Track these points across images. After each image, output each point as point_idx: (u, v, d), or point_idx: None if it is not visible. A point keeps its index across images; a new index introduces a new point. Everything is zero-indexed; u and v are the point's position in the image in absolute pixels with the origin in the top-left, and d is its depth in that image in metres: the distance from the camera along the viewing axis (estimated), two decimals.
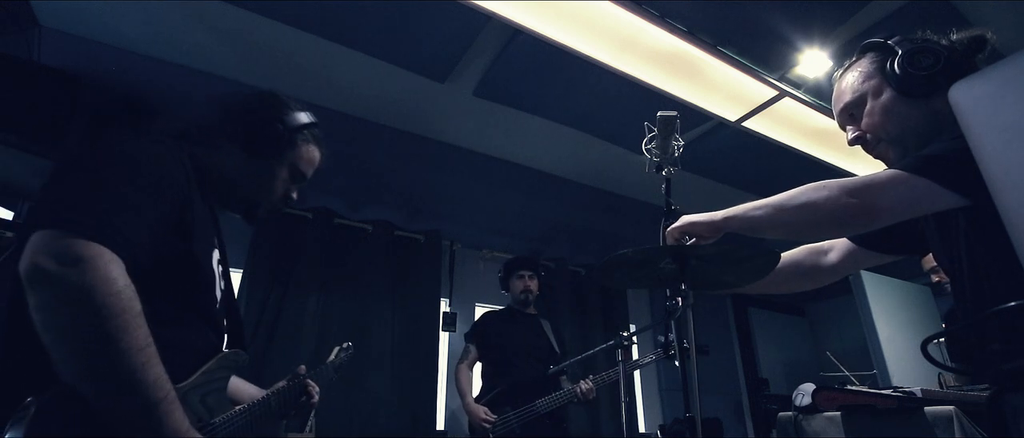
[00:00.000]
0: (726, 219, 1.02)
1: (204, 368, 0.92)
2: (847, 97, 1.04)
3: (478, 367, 2.80)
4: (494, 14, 1.93)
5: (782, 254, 1.20)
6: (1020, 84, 0.72)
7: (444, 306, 3.55)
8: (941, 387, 2.11)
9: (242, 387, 1.18)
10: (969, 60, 0.94)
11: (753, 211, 0.98)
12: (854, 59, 1.06)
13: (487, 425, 2.42)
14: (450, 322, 3.49)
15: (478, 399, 2.59)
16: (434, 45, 2.23)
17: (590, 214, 3.81)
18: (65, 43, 2.13)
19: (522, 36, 2.10)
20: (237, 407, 1.05)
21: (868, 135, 1.02)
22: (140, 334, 0.72)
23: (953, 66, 0.91)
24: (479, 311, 3.81)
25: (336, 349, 1.64)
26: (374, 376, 3.04)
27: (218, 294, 0.98)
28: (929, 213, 0.92)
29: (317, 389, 1.30)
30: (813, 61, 2.28)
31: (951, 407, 1.57)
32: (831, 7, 2.06)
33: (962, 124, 0.77)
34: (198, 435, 0.78)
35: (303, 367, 1.31)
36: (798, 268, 1.22)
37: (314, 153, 1.15)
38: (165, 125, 1.00)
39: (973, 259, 0.86)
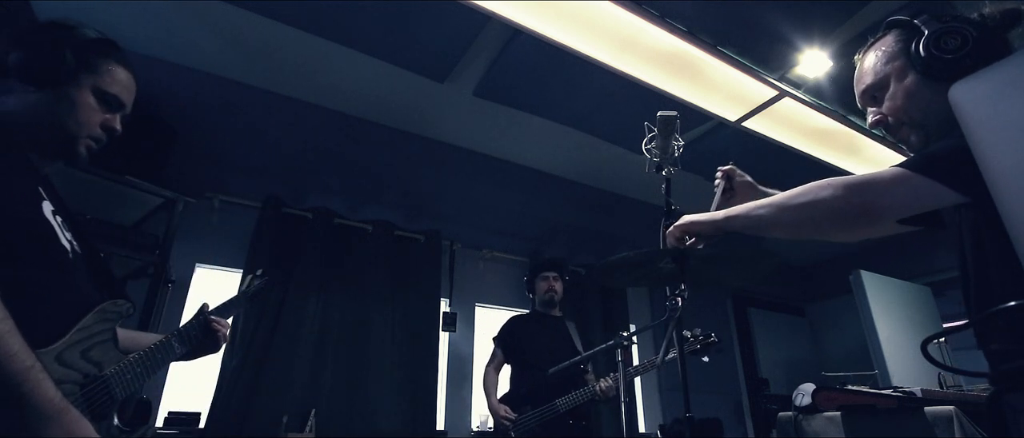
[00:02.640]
0: (728, 219, 1.01)
1: (80, 324, 0.89)
2: (869, 79, 1.00)
3: (506, 370, 2.81)
4: (494, 14, 1.93)
5: None
6: (1020, 84, 0.72)
7: (444, 306, 3.55)
8: (941, 387, 2.11)
9: (138, 337, 1.13)
10: (1001, 37, 0.89)
11: (755, 210, 0.98)
12: (879, 36, 1.01)
13: (507, 423, 2.44)
14: (450, 322, 3.48)
15: (503, 400, 2.60)
16: (434, 45, 2.23)
17: (590, 214, 3.81)
18: None
19: (522, 36, 2.10)
20: (131, 355, 1.01)
21: (890, 118, 0.98)
22: None
23: (983, 46, 0.87)
24: (479, 311, 3.81)
25: (248, 277, 1.60)
26: (374, 376, 3.04)
27: (65, 245, 0.93)
28: (932, 210, 0.92)
29: (224, 323, 1.26)
30: (813, 61, 2.28)
31: (951, 407, 1.57)
32: (831, 7, 2.06)
33: (962, 124, 0.77)
34: (68, 405, 0.76)
35: (207, 303, 1.27)
36: None
37: (121, 73, 1.03)
38: None
39: (975, 257, 0.86)
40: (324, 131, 2.83)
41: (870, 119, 1.02)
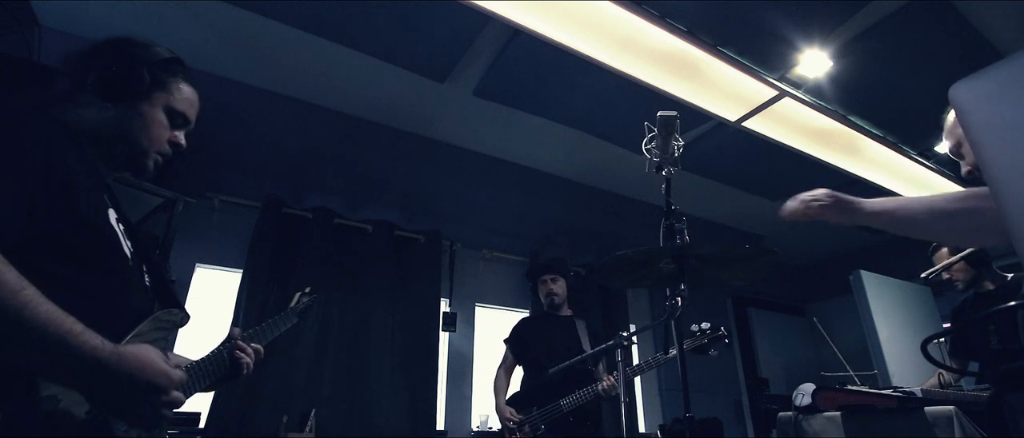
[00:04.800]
0: (873, 214, 1.01)
1: (135, 331, 0.89)
2: (948, 142, 1.10)
3: (518, 371, 2.81)
4: (494, 14, 1.93)
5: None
6: (1020, 84, 0.72)
7: (444, 306, 3.55)
8: (941, 387, 2.11)
9: (180, 360, 1.14)
10: None
11: (906, 213, 0.98)
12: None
13: (512, 424, 2.44)
14: (450, 322, 3.48)
15: (511, 400, 2.61)
16: (434, 45, 2.23)
17: (590, 214, 3.81)
18: (65, 43, 2.14)
19: (522, 36, 2.10)
20: (185, 365, 1.04)
21: (975, 170, 1.05)
22: (8, 278, 0.69)
23: None
24: (479, 311, 3.82)
25: (297, 294, 1.59)
26: (374, 376, 3.04)
27: (127, 253, 0.95)
28: None
29: (249, 350, 1.22)
30: (813, 61, 2.28)
31: (951, 407, 1.57)
32: (831, 7, 2.06)
33: (962, 124, 0.77)
34: (116, 346, 0.77)
35: (236, 330, 1.25)
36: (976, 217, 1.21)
37: (187, 90, 1.08)
38: (32, 93, 0.96)
39: None
40: (324, 131, 2.83)
41: (963, 170, 1.10)
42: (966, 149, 1.04)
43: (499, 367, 2.77)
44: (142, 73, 0.98)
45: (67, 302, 0.75)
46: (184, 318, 1.03)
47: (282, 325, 1.42)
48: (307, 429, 2.65)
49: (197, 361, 1.10)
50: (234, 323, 2.82)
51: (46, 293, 0.74)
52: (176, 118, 1.05)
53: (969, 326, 2.11)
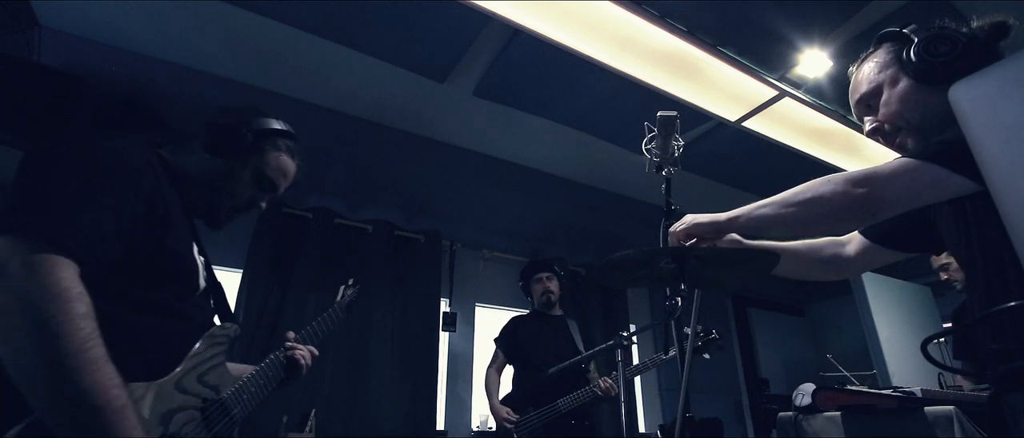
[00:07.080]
0: (730, 220, 1.01)
1: (192, 351, 0.94)
2: (863, 88, 1.02)
3: (508, 371, 2.81)
4: (494, 14, 1.93)
5: (805, 241, 1.19)
6: (1020, 84, 0.72)
7: (444, 306, 3.55)
8: (941, 387, 2.10)
9: (235, 368, 1.18)
10: (991, 47, 0.91)
11: (758, 210, 0.98)
12: (870, 50, 1.05)
13: (509, 425, 2.43)
14: (450, 322, 3.48)
15: (505, 401, 2.59)
16: (434, 45, 2.23)
17: (590, 214, 3.81)
18: (65, 43, 2.13)
19: (522, 36, 2.09)
20: (244, 375, 1.09)
21: (886, 125, 0.99)
22: (76, 337, 0.67)
23: (973, 53, 0.89)
24: (479, 311, 3.81)
25: (342, 287, 1.65)
26: (374, 376, 3.04)
27: (201, 283, 1.01)
28: (937, 202, 0.91)
29: (303, 351, 1.29)
30: (813, 61, 2.28)
31: (951, 407, 1.57)
32: (831, 7, 2.06)
33: (962, 123, 0.77)
34: None
35: (291, 333, 1.32)
36: (818, 254, 1.18)
37: (284, 162, 1.15)
38: (146, 127, 1.04)
39: (986, 254, 0.85)
40: (324, 131, 2.83)
41: (866, 128, 1.03)
42: (882, 101, 0.98)
43: (490, 367, 2.77)
44: (244, 134, 1.07)
45: (141, 322, 0.83)
46: (237, 330, 1.08)
47: (330, 323, 1.46)
48: (307, 429, 2.65)
49: (258, 368, 1.14)
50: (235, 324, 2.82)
51: (121, 310, 0.78)
52: (263, 182, 1.12)
53: (969, 327, 2.11)
